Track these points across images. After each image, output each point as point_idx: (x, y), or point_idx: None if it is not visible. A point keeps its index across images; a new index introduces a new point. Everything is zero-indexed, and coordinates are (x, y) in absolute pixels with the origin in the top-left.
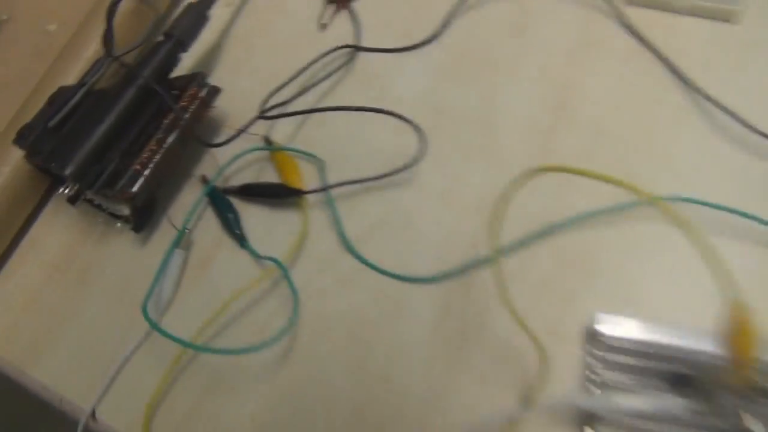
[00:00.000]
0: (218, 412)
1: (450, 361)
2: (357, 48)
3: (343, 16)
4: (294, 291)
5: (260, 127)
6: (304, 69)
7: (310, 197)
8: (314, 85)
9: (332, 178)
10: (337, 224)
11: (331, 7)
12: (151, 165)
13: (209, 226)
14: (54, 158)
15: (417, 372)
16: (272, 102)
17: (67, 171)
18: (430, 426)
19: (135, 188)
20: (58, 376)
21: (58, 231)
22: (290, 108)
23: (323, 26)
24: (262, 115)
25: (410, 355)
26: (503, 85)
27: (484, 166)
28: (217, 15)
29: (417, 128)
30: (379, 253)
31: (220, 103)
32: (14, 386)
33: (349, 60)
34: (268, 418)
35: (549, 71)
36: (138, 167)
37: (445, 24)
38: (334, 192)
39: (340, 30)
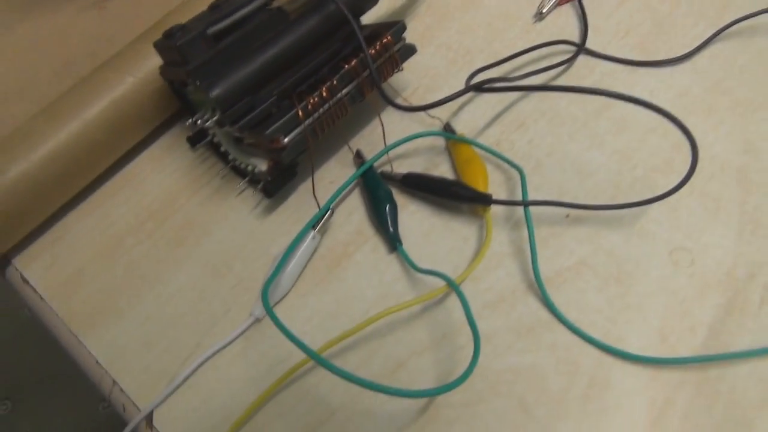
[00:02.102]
0: None
1: None
2: (582, 49)
3: (566, 10)
4: (474, 327)
5: (442, 111)
6: (518, 54)
7: (497, 210)
8: (528, 75)
9: (531, 195)
10: (531, 253)
11: None
12: (315, 115)
13: (353, 214)
14: (201, 74)
15: None
16: (478, 79)
17: (214, 92)
18: None
19: (288, 138)
20: (117, 353)
21: (165, 172)
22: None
23: (541, 15)
24: (476, 87)
25: None
26: None
27: (735, 233)
28: None
29: (691, 139)
30: (576, 305)
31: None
32: (56, 347)
33: (570, 60)
34: None
35: None
36: (299, 113)
37: (701, 47)
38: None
39: (560, 24)
